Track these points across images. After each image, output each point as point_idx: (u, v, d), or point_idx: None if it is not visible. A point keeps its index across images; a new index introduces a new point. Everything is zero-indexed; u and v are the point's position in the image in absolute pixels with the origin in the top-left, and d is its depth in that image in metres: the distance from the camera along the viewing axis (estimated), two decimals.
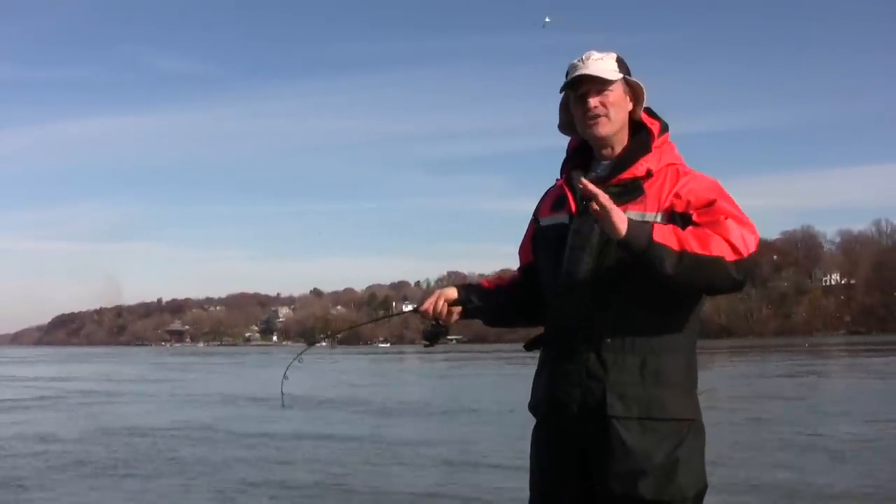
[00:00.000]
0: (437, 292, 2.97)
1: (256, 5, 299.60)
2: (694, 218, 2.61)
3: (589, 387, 2.65)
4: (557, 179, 2.92)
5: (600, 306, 2.65)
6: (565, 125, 2.90)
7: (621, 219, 2.50)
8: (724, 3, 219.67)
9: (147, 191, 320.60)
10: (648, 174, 2.69)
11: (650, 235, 2.50)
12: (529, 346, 2.91)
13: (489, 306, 2.98)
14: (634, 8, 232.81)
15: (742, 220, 2.60)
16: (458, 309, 2.94)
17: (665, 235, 2.51)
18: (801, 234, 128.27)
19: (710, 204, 2.62)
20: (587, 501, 2.67)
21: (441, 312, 2.92)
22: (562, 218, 2.79)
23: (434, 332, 2.96)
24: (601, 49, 2.79)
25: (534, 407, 2.86)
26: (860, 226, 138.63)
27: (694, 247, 2.51)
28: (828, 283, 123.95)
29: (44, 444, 13.95)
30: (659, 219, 2.63)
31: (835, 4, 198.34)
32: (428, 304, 2.94)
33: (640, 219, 2.59)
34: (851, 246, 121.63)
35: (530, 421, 2.85)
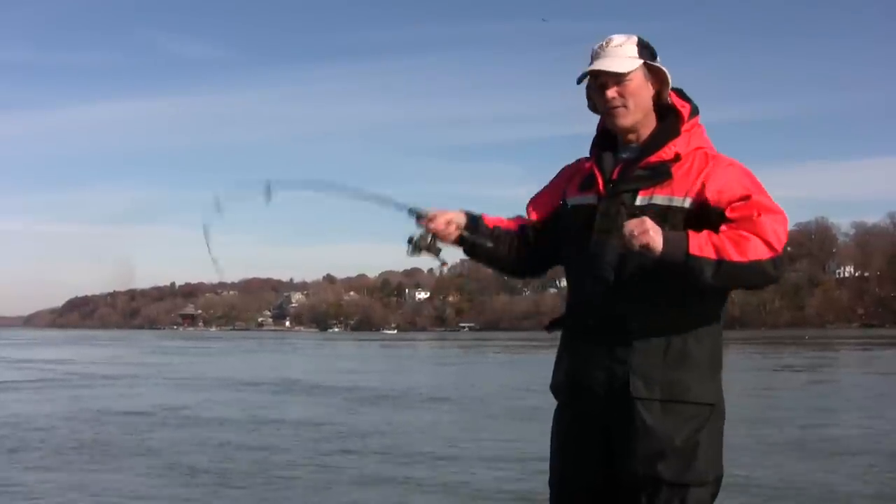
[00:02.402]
0: (450, 214, 2.87)
1: None
2: (727, 213, 2.57)
3: (613, 369, 2.64)
4: (587, 160, 2.85)
5: (625, 289, 2.64)
6: (594, 107, 2.87)
7: (655, 238, 2.46)
8: None
9: (161, 175, 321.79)
10: (676, 158, 2.67)
11: (686, 249, 2.48)
12: (551, 328, 2.90)
13: (488, 247, 2.91)
14: None
15: (774, 210, 2.56)
16: (455, 233, 2.84)
17: (701, 246, 2.49)
18: (816, 225, 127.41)
19: (745, 199, 2.57)
20: (608, 484, 2.68)
21: (438, 227, 2.82)
22: (589, 199, 2.76)
23: (422, 245, 2.82)
24: (623, 33, 2.76)
25: (555, 389, 2.86)
26: (875, 218, 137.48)
27: (732, 254, 2.48)
28: (841, 276, 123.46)
29: (13, 427, 13.75)
30: (687, 203, 2.60)
31: None
32: (434, 215, 2.83)
33: (667, 203, 2.60)
34: (866, 238, 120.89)
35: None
